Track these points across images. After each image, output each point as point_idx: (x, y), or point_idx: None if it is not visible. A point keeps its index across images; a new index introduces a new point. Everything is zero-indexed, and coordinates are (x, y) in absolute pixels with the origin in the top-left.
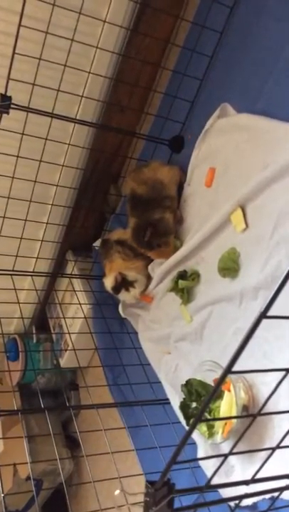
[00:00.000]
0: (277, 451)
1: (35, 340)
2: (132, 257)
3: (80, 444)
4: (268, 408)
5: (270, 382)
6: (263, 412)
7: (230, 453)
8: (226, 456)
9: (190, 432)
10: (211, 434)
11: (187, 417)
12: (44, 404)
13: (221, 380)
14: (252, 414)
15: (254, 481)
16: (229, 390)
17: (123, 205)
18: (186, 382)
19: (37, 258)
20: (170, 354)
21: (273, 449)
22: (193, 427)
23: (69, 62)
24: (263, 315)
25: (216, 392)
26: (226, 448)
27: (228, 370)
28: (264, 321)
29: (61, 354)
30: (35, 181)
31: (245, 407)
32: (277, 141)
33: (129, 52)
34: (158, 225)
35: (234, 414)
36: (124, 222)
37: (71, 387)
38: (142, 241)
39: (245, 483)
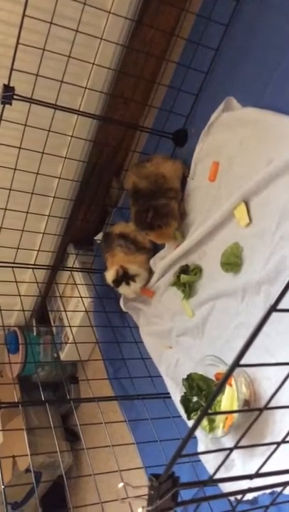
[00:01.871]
0: (280, 446)
1: (35, 333)
2: (134, 251)
3: (80, 436)
4: (270, 403)
5: (271, 377)
6: (268, 404)
7: (236, 446)
8: (230, 450)
9: (196, 426)
10: (211, 428)
11: (188, 411)
12: (44, 397)
13: (229, 373)
14: (258, 408)
15: (258, 475)
16: (231, 385)
17: (125, 198)
18: (187, 376)
19: (38, 251)
20: (171, 348)
21: (278, 444)
22: (198, 422)
23: (73, 54)
24: (274, 308)
25: (222, 386)
26: (226, 442)
27: (236, 364)
28: None
29: (61, 347)
30: (37, 173)
31: (246, 402)
32: (282, 135)
33: (134, 44)
34: (160, 208)
35: (235, 408)
36: (126, 215)
37: (71, 381)
38: (144, 222)
39: (249, 477)
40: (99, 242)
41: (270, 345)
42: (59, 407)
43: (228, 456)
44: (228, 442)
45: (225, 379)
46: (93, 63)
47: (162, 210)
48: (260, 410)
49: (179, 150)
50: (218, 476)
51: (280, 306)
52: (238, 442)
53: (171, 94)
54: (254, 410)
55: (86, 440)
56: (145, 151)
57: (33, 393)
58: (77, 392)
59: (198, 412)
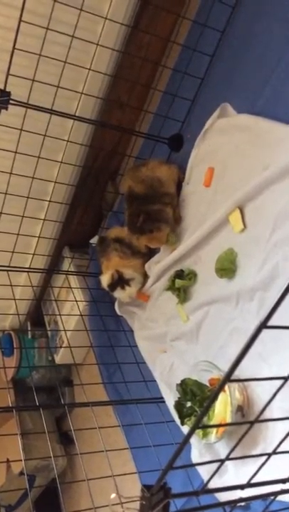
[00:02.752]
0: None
1: (30, 336)
2: (129, 256)
3: (74, 441)
4: (262, 407)
5: (265, 384)
6: (259, 417)
7: (227, 458)
8: (222, 461)
9: (187, 440)
10: (205, 434)
11: (182, 416)
12: (38, 400)
13: (220, 389)
14: (250, 421)
15: (250, 485)
16: (224, 391)
17: (121, 202)
18: (181, 381)
19: (33, 254)
20: (166, 353)
21: (269, 455)
22: (189, 436)
23: (69, 59)
24: (264, 325)
25: (214, 400)
26: (219, 448)
27: (228, 378)
28: (258, 322)
29: (56, 350)
30: (33, 177)
31: (239, 408)
32: (277, 142)
33: (130, 50)
34: (153, 213)
35: (229, 414)
36: (121, 219)
37: (66, 384)
38: (135, 226)
39: (241, 487)
40: (94, 245)
41: (264, 351)
42: (53, 410)
43: (219, 466)
44: (222, 448)
45: (216, 393)
46: (89, 68)
47: (155, 215)
48: (251, 423)
49: (174, 155)
50: (210, 482)
51: (272, 321)
52: (229, 454)
53: (167, 100)
54: (245, 423)
55: (81, 443)
56: (141, 156)
57: (27, 396)
58: (72, 395)
59: (192, 418)
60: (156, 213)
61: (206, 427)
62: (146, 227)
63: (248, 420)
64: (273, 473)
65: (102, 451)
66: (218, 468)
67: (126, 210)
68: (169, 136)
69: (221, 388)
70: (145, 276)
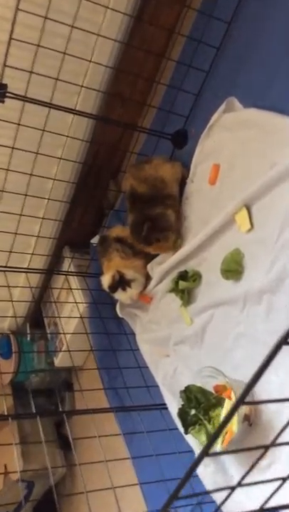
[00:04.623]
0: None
1: (29, 338)
2: (131, 256)
3: (73, 450)
4: (270, 418)
5: (273, 392)
6: (265, 427)
7: (240, 484)
8: (233, 488)
9: (192, 469)
10: None
11: (185, 425)
12: (37, 404)
13: (232, 414)
14: (264, 446)
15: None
16: (230, 398)
17: (122, 201)
18: (185, 388)
19: (32, 254)
20: (169, 357)
21: (284, 480)
22: (196, 465)
23: (69, 50)
24: (284, 341)
25: (226, 423)
26: (225, 458)
27: (242, 401)
28: (267, 326)
29: (56, 353)
30: (31, 174)
31: (246, 417)
32: (286, 138)
33: (132, 41)
34: (157, 220)
35: (235, 423)
36: (123, 218)
37: (65, 387)
38: (140, 236)
39: None
40: (95, 245)
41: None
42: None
43: (230, 494)
44: (228, 458)
45: (228, 418)
46: (90, 60)
47: (159, 223)
48: (266, 447)
49: (178, 152)
50: (216, 495)
51: (276, 319)
52: (242, 480)
53: (171, 94)
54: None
55: (81, 449)
56: (143, 153)
57: (26, 400)
58: (72, 399)
59: (197, 426)
60: (160, 220)
61: (216, 454)
62: (153, 236)
63: (254, 426)
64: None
65: (102, 461)
66: (230, 494)
67: (128, 211)
68: (172, 131)
69: (233, 412)
70: (147, 278)
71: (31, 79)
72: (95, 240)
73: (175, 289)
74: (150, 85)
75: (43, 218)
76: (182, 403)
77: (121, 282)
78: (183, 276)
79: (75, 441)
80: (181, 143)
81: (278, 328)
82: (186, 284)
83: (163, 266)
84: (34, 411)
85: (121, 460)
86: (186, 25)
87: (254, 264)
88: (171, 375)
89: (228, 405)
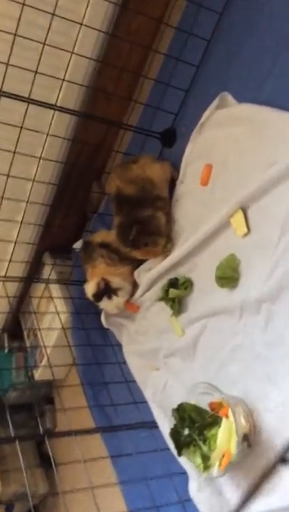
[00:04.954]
0: None
1: (6, 350)
2: (117, 262)
3: (55, 473)
4: (271, 436)
5: (273, 409)
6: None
7: None
8: None
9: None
10: (206, 466)
11: (179, 446)
12: (16, 420)
13: None
14: None
15: None
16: (227, 416)
17: (107, 204)
18: (178, 406)
19: (10, 261)
20: (158, 370)
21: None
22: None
23: (49, 41)
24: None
25: None
26: (221, 480)
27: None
28: (267, 338)
29: (36, 364)
30: (8, 175)
31: (245, 437)
32: (284, 135)
33: (117, 32)
34: (146, 223)
35: (234, 444)
36: (107, 222)
37: (46, 402)
38: (128, 239)
39: None
40: (78, 250)
41: (272, 372)
42: (33, 429)
43: None
44: (224, 480)
45: None
46: (72, 52)
47: (149, 227)
48: None
49: (166, 151)
50: None
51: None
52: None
53: (159, 89)
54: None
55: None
56: (129, 152)
57: (4, 417)
58: (53, 414)
59: (191, 448)
60: (149, 223)
61: None
62: (141, 240)
63: (254, 447)
64: None
65: (88, 488)
66: None
67: (115, 214)
68: (161, 130)
69: None
70: (134, 285)
71: (8, 73)
72: (77, 245)
73: (165, 298)
74: (136, 80)
75: (21, 222)
76: (175, 422)
77: (106, 290)
78: (173, 283)
79: (57, 459)
80: (170, 142)
81: (278, 340)
82: (177, 292)
83: (151, 272)
84: (12, 434)
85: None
86: (175, 15)
87: (251, 271)
88: (161, 390)
89: (225, 425)
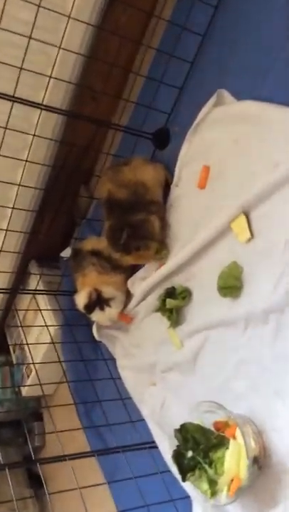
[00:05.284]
0: None
1: None
2: (109, 271)
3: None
4: (281, 457)
5: (283, 429)
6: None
7: None
8: None
9: None
10: (213, 492)
11: (183, 471)
12: (3, 437)
13: None
14: None
15: None
16: (234, 437)
17: (95, 209)
18: (181, 427)
19: None
20: (155, 386)
21: None
22: None
23: (34, 36)
24: None
25: None
26: (230, 506)
27: None
28: (275, 351)
29: (22, 381)
30: None
31: (255, 459)
32: None
33: (106, 25)
34: (138, 227)
35: (244, 467)
36: (97, 229)
37: (33, 418)
38: (118, 243)
39: None
40: (66, 259)
41: (281, 388)
42: (20, 447)
43: None
44: (232, 505)
45: None
46: (59, 47)
47: (140, 230)
48: None
49: (159, 153)
50: None
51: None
52: None
53: (151, 87)
54: None
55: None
56: (119, 154)
57: None
58: (42, 430)
59: (196, 471)
60: (142, 227)
61: None
62: (132, 244)
63: (265, 470)
64: None
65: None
66: None
67: (106, 219)
68: (153, 130)
69: None
70: (128, 295)
71: None
72: (65, 254)
73: (162, 308)
74: (127, 77)
75: (6, 230)
76: (177, 444)
77: (98, 301)
78: (170, 293)
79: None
80: (162, 143)
81: (285, 354)
82: (174, 303)
83: (146, 282)
84: (0, 459)
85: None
86: (167, 8)
87: (256, 279)
88: (160, 408)
89: (234, 447)
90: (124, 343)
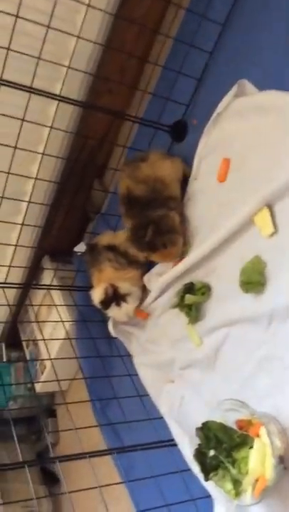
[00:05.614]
0: None
1: (5, 359)
2: (125, 266)
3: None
4: None
5: None
6: None
7: None
8: None
9: None
10: (238, 492)
11: (205, 470)
12: (17, 434)
13: None
14: None
15: None
16: (258, 435)
17: (110, 203)
18: (203, 425)
19: (10, 266)
20: (173, 383)
21: None
22: None
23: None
24: None
25: None
26: (255, 507)
27: None
28: None
29: (37, 376)
30: (8, 173)
31: (281, 459)
32: None
33: (123, 15)
34: (160, 222)
35: (269, 467)
36: (112, 223)
37: (47, 414)
38: (143, 241)
39: None
40: (79, 254)
41: None
42: (34, 444)
43: None
44: (256, 507)
45: None
46: (78, 36)
47: (163, 226)
48: None
49: (176, 145)
50: None
51: None
52: None
53: (168, 78)
54: None
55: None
56: (135, 147)
57: (3, 429)
58: (55, 427)
59: (219, 471)
60: (164, 222)
61: None
62: (158, 241)
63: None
64: None
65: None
66: None
67: (125, 216)
68: (170, 122)
69: None
70: (144, 290)
71: (6, 63)
72: (79, 249)
73: (180, 304)
74: (144, 68)
75: (22, 224)
76: (199, 443)
77: (115, 297)
78: (189, 288)
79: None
80: (180, 135)
81: None
82: (193, 298)
83: (164, 277)
84: (20, 457)
85: (118, 495)
86: None
87: (280, 274)
88: (178, 406)
89: (258, 446)
90: (141, 339)
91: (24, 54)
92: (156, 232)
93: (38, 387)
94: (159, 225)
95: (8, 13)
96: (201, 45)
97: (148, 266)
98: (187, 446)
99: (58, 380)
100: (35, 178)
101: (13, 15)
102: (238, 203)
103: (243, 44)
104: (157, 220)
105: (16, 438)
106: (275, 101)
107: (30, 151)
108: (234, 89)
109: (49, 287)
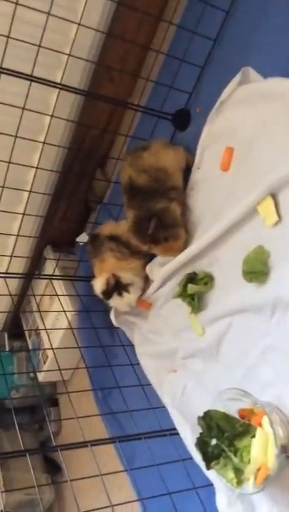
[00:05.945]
0: None
1: (7, 349)
2: (127, 256)
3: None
4: None
5: None
6: None
7: None
8: None
9: None
10: (240, 481)
11: (207, 459)
12: (18, 423)
13: None
14: None
15: None
16: (260, 425)
17: (112, 193)
18: (205, 414)
19: (11, 256)
20: (176, 372)
21: None
22: None
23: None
24: None
25: None
26: (258, 500)
27: None
28: None
29: (39, 365)
30: (9, 162)
31: (283, 448)
32: None
33: (125, 1)
34: (163, 216)
35: (272, 456)
36: (114, 213)
37: (50, 403)
38: (146, 234)
39: None
40: (82, 244)
41: None
42: (37, 433)
43: None
44: (258, 496)
45: None
46: (79, 23)
47: (166, 219)
48: None
49: (179, 134)
50: None
51: None
52: None
53: (171, 66)
54: None
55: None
56: (138, 136)
57: (6, 418)
58: (58, 416)
59: (221, 460)
60: (165, 213)
61: None
62: (161, 235)
63: None
64: None
65: (105, 507)
66: None
67: (127, 205)
68: (173, 110)
69: None
70: (146, 280)
71: (6, 51)
72: (81, 239)
73: (183, 294)
74: (145, 54)
75: (23, 214)
76: (200, 431)
77: (117, 287)
78: (192, 278)
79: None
80: (183, 124)
81: None
82: (196, 288)
83: (166, 267)
84: (22, 445)
85: (120, 483)
86: None
87: (284, 264)
88: (181, 395)
89: (260, 435)
90: (143, 329)
91: (24, 42)
92: (159, 226)
93: (41, 377)
94: (161, 219)
95: (7, 1)
96: (205, 33)
97: (150, 256)
98: (189, 435)
99: (60, 370)
100: (37, 168)
101: (13, 2)
102: (242, 192)
103: (247, 31)
104: (160, 213)
105: (17, 427)
106: (280, 88)
107: (31, 140)
108: (238, 77)
109: (51, 277)
